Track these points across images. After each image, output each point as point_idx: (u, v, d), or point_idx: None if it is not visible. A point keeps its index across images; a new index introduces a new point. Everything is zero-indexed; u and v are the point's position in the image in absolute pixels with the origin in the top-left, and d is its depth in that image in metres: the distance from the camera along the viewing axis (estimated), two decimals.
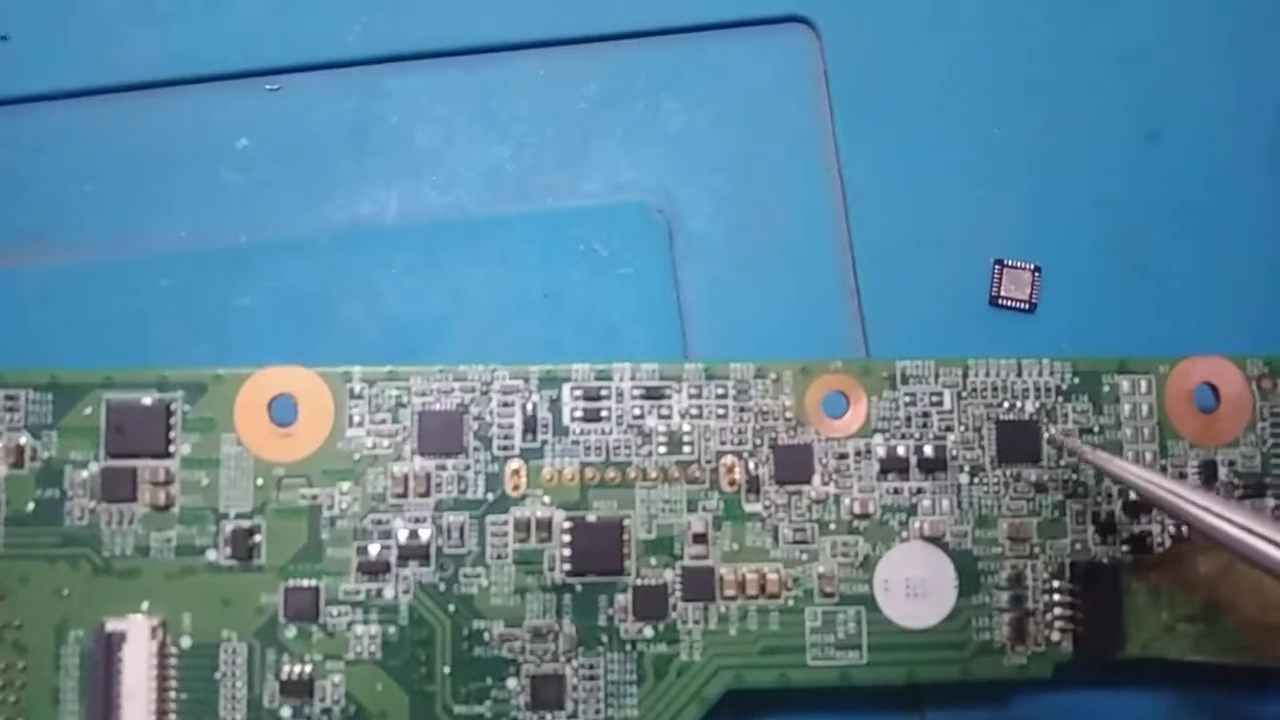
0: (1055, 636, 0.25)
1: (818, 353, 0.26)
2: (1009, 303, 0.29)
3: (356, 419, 0.24)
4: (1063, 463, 0.25)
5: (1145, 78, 0.30)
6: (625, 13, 0.30)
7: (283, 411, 0.25)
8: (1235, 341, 0.27)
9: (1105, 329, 0.29)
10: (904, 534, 0.25)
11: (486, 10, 0.29)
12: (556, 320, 0.28)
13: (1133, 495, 0.25)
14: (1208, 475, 0.26)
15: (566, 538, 0.24)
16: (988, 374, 0.25)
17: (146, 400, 0.24)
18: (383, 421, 0.24)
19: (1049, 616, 0.25)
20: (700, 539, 0.25)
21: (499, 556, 0.24)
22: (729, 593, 0.24)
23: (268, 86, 0.29)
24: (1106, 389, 0.26)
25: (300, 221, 0.28)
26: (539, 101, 0.29)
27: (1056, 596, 0.25)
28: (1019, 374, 0.26)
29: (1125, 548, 0.25)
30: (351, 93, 0.29)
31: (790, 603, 0.25)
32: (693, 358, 0.28)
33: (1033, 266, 0.29)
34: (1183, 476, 0.26)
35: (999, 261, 0.29)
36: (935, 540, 0.25)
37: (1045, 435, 0.25)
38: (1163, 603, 0.25)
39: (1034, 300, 0.29)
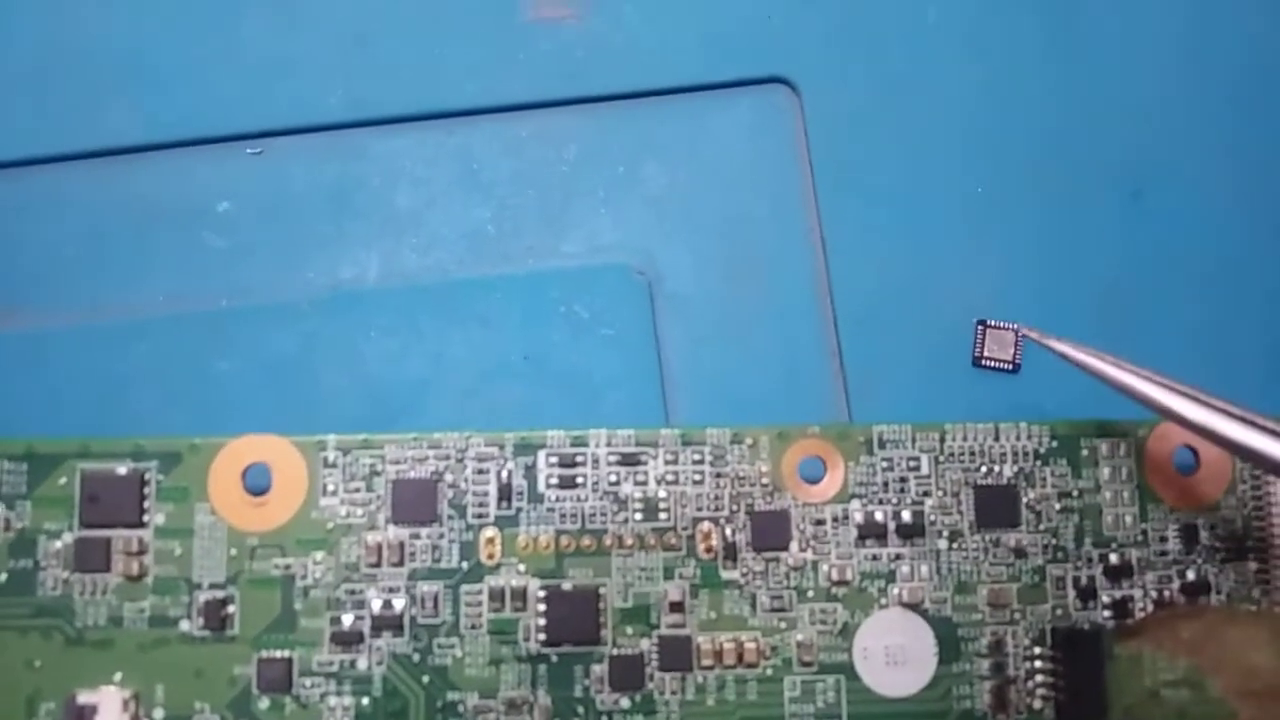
0: (1037, 704, 0.25)
1: (800, 415, 0.26)
2: (992, 363, 0.29)
3: (330, 488, 0.24)
4: (1042, 527, 0.25)
5: (1127, 137, 0.30)
6: (606, 75, 0.30)
7: (257, 480, 0.25)
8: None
9: (1089, 389, 0.28)
10: (883, 600, 0.25)
11: (467, 73, 0.30)
12: (537, 383, 0.28)
13: (1114, 560, 0.25)
14: (1188, 539, 0.25)
15: (542, 607, 0.24)
16: (965, 438, 0.25)
17: (121, 470, 0.24)
18: (357, 490, 0.24)
19: (1030, 684, 0.25)
20: (677, 607, 0.24)
21: (473, 626, 0.24)
22: (706, 662, 0.24)
23: (249, 150, 0.29)
24: (1085, 452, 0.25)
25: (281, 285, 0.28)
26: (520, 163, 0.30)
27: (1038, 664, 0.25)
28: (996, 438, 0.25)
29: (1107, 613, 0.25)
30: (333, 156, 0.29)
31: (769, 672, 0.24)
32: (674, 420, 0.28)
33: (1016, 327, 0.29)
34: (1163, 540, 0.25)
35: (982, 322, 0.29)
36: (914, 607, 0.25)
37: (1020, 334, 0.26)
38: (1145, 669, 0.25)
39: (1018, 360, 0.29)
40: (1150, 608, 0.25)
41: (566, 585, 0.24)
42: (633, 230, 0.29)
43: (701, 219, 0.29)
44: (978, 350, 0.29)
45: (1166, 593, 0.25)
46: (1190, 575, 0.25)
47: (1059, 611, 0.25)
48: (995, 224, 0.29)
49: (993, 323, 0.29)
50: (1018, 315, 0.29)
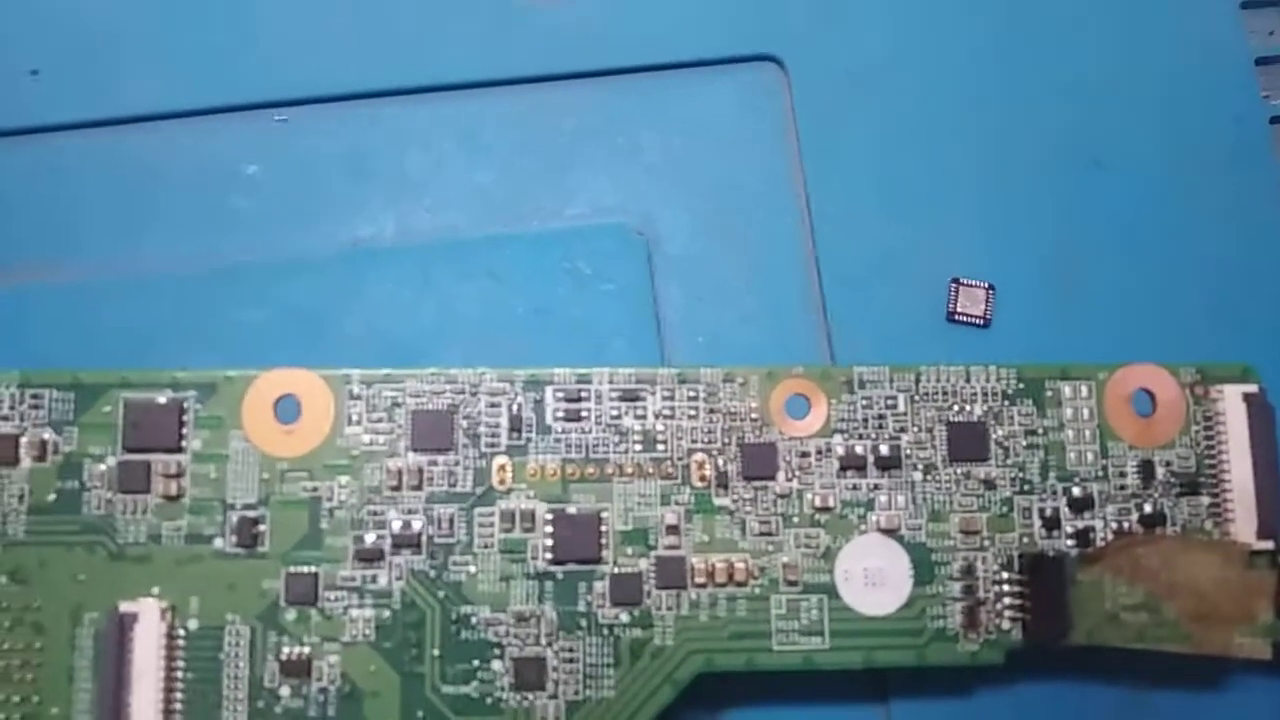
0: (1005, 625, 0.27)
1: (786, 364, 0.29)
2: (965, 318, 0.31)
3: (355, 418, 0.26)
4: (1010, 461, 0.27)
5: (1088, 109, 0.32)
6: (608, 51, 0.32)
7: (286, 411, 0.27)
8: (1173, 352, 0.29)
9: (1053, 342, 0.30)
10: (862, 527, 0.27)
11: (472, 49, 0.32)
12: (543, 334, 0.30)
13: (1076, 492, 0.27)
14: (1146, 474, 0.27)
15: (548, 529, 0.26)
16: (939, 379, 0.28)
17: (161, 399, 0.26)
18: (379, 420, 0.26)
19: (999, 606, 0.27)
20: (673, 530, 0.26)
21: (485, 546, 0.26)
22: (699, 581, 0.26)
23: (276, 118, 0.31)
24: (1049, 394, 0.28)
25: (304, 242, 0.31)
26: (528, 132, 0.32)
27: (1006, 587, 0.27)
28: (967, 380, 0.28)
29: (1070, 541, 0.27)
30: (353, 124, 0.31)
31: (757, 591, 0.26)
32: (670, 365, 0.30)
33: (987, 285, 0.31)
34: (1123, 475, 0.28)
35: (955, 280, 0.31)
36: (891, 533, 0.27)
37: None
38: (1106, 593, 0.27)
39: (988, 316, 0.31)
40: (1110, 537, 0.27)
41: (571, 509, 0.26)
42: (632, 194, 0.31)
43: (696, 185, 0.32)
44: (951, 306, 0.31)
45: (1125, 524, 0.27)
46: (1147, 508, 0.27)
47: (1025, 539, 0.27)
48: (968, 191, 0.32)
49: (965, 281, 0.31)
50: (988, 274, 0.31)
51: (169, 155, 0.31)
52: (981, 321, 0.31)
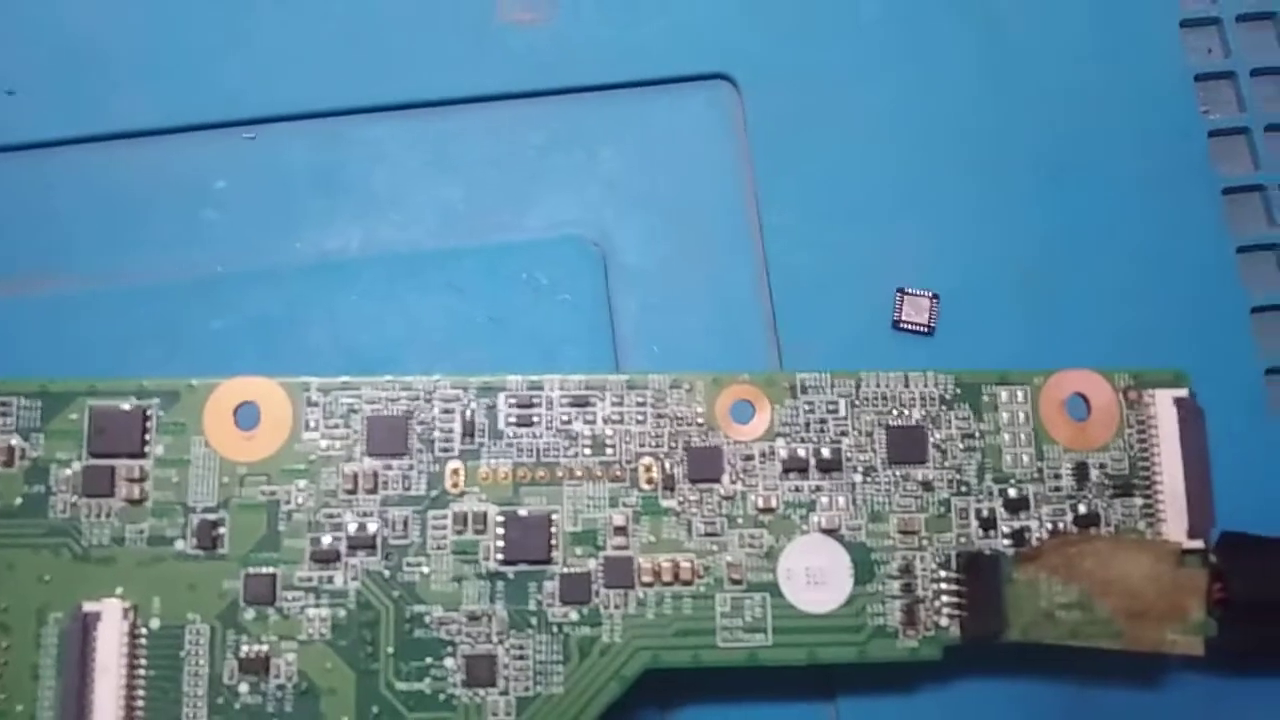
0: (944, 622, 0.27)
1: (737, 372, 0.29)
2: (910, 326, 0.32)
3: (313, 424, 0.27)
4: (947, 464, 0.28)
5: (1047, 123, 0.33)
6: (568, 71, 0.33)
7: (247, 417, 0.28)
8: (1113, 358, 0.30)
9: (995, 350, 0.31)
10: (804, 527, 0.28)
11: (443, 68, 0.33)
12: (501, 343, 0.31)
13: (1012, 493, 0.28)
14: (1080, 476, 0.28)
15: (500, 530, 0.27)
16: (879, 385, 0.28)
17: (125, 406, 0.27)
18: (336, 426, 0.27)
19: (937, 603, 0.28)
20: (621, 531, 0.27)
21: (438, 547, 0.27)
22: (646, 580, 0.27)
23: (245, 135, 0.32)
24: (986, 398, 0.29)
25: (271, 255, 0.32)
26: (489, 148, 0.33)
27: (943, 585, 0.28)
28: (907, 385, 0.29)
29: (1006, 541, 0.28)
30: (320, 141, 0.33)
31: (702, 589, 0.27)
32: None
33: (931, 294, 0.32)
34: (1057, 477, 0.28)
35: (901, 290, 0.32)
36: (832, 533, 0.28)
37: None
38: (1041, 592, 0.28)
39: (932, 324, 0.32)
40: (1045, 537, 0.28)
41: (522, 511, 0.27)
42: (590, 208, 0.33)
43: (651, 199, 0.33)
44: (897, 315, 0.32)
45: (1060, 524, 0.28)
46: (1082, 508, 0.28)
47: (963, 539, 0.28)
48: (918, 204, 0.33)
49: (910, 290, 0.32)
50: (932, 284, 0.32)
51: (143, 171, 0.32)
52: (926, 329, 0.32)
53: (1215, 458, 0.30)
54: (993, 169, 0.33)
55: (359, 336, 0.31)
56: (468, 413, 0.28)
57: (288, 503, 0.27)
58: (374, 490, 0.27)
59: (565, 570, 0.27)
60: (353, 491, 0.27)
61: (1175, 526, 0.28)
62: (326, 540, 0.27)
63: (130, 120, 0.32)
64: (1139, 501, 0.28)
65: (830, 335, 0.32)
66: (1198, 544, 0.28)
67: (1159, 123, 0.34)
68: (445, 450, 0.27)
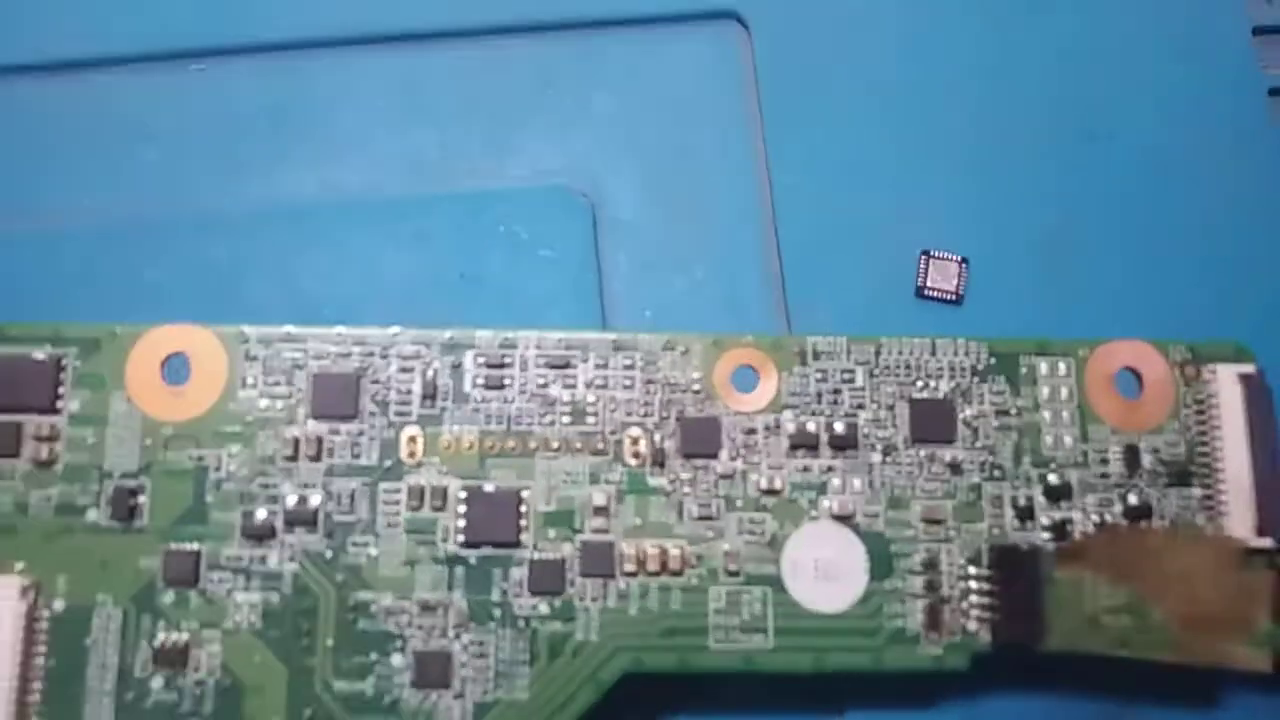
0: (972, 626, 0.24)
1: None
2: (935, 294, 0.28)
3: (250, 380, 0.24)
4: (979, 444, 0.25)
5: (1077, 78, 0.30)
6: (556, 4, 0.30)
7: (176, 371, 0.24)
8: (1163, 331, 0.26)
9: (1031, 321, 0.28)
10: (813, 513, 0.24)
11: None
12: (472, 301, 0.28)
13: (1053, 480, 0.25)
14: (1130, 461, 0.25)
15: (462, 508, 0.23)
16: (901, 352, 0.25)
17: (39, 355, 0.24)
18: (277, 384, 0.24)
19: (965, 604, 0.24)
20: (601, 512, 0.24)
21: (390, 525, 0.23)
22: (629, 569, 0.23)
23: (194, 68, 0.29)
24: (1024, 370, 0.25)
25: (216, 199, 0.28)
26: (467, 89, 0.29)
27: (973, 584, 0.24)
28: (933, 353, 0.25)
29: (1046, 534, 0.24)
30: (277, 76, 0.29)
31: (694, 582, 0.23)
32: None
33: (959, 258, 0.28)
34: (1104, 462, 0.25)
35: (925, 253, 0.28)
36: (845, 520, 0.24)
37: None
38: (1085, 594, 0.24)
39: (960, 292, 0.28)
40: (1091, 530, 0.24)
41: (488, 486, 0.24)
42: (578, 156, 0.29)
43: (648, 147, 0.29)
44: (921, 280, 0.28)
45: (1107, 516, 0.25)
46: (1132, 499, 0.25)
47: (995, 531, 0.24)
48: (940, 158, 0.29)
49: (936, 253, 0.28)
50: (961, 247, 0.28)
51: (75, 105, 0.29)
52: (953, 297, 0.28)
53: None
54: (1035, 125, 0.30)
55: (313, 291, 0.28)
56: (430, 372, 0.24)
57: (218, 470, 0.23)
58: (318, 458, 0.23)
59: (535, 556, 0.23)
60: (293, 459, 0.23)
61: (1240, 521, 0.24)
62: (261, 514, 0.23)
63: (70, 49, 0.29)
64: (1198, 492, 0.25)
65: (845, 301, 0.28)
66: (1266, 542, 0.24)
67: (1213, 78, 0.30)
68: (402, 414, 0.24)
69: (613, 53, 0.30)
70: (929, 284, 0.28)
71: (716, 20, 0.30)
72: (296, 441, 0.24)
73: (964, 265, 0.28)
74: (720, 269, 0.29)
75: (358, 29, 0.29)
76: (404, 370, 0.24)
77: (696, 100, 0.30)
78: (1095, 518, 0.24)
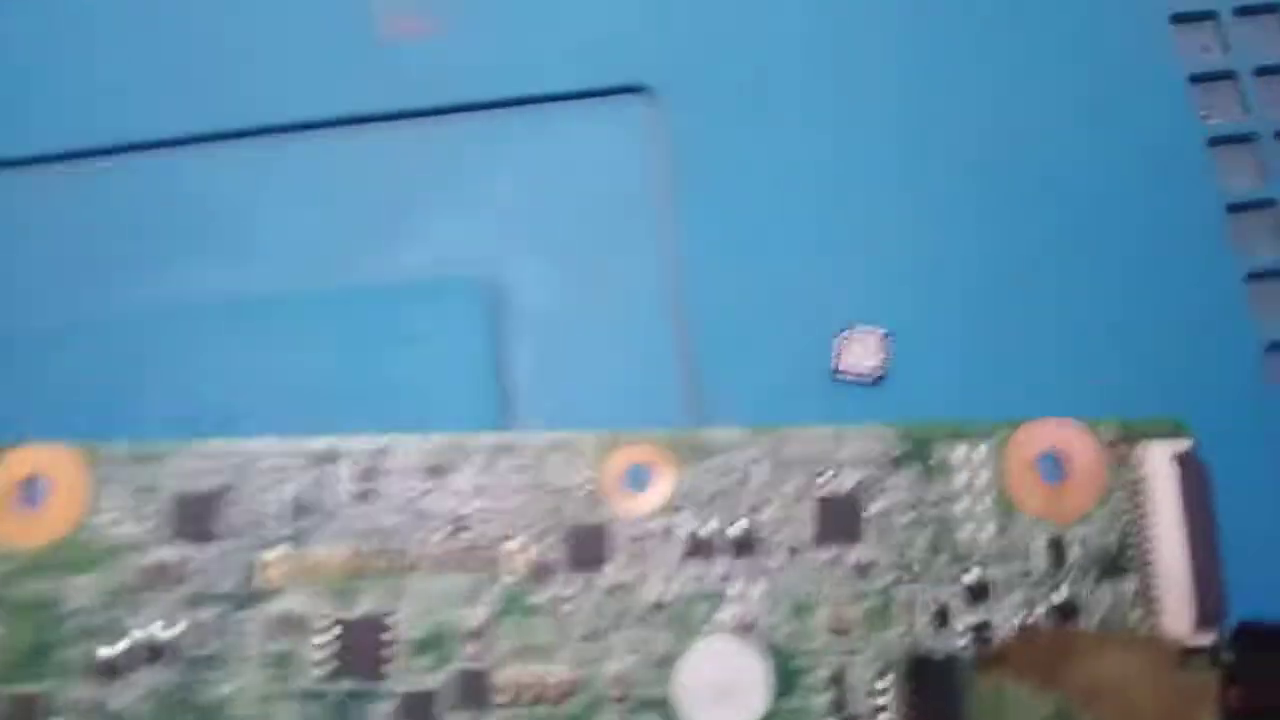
0: None
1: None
2: (853, 375, 0.26)
3: (107, 503, 0.22)
4: (890, 542, 0.23)
5: (1002, 136, 0.28)
6: (461, 87, 0.28)
7: (31, 494, 0.23)
8: (1102, 407, 0.24)
9: (959, 402, 0.26)
10: (709, 625, 0.22)
11: (318, 87, 0.28)
12: (366, 400, 0.26)
13: (971, 578, 0.23)
14: (1056, 554, 0.23)
15: (325, 636, 0.22)
16: (805, 444, 0.23)
17: None
18: (135, 506, 0.22)
19: None
20: (475, 636, 0.22)
21: (248, 657, 0.22)
22: (502, 700, 0.22)
23: (90, 168, 0.28)
24: (937, 458, 0.23)
25: (105, 303, 0.27)
26: (367, 177, 0.28)
27: (883, 699, 0.22)
28: (839, 443, 0.23)
29: (964, 639, 0.22)
30: (170, 172, 0.28)
31: (575, 709, 0.22)
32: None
33: (881, 334, 0.27)
34: (1027, 557, 0.23)
35: (844, 330, 0.27)
36: (745, 632, 0.22)
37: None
38: (1009, 703, 0.22)
39: (882, 370, 0.26)
40: (1014, 633, 0.23)
41: (354, 612, 0.22)
42: (480, 242, 0.28)
43: (554, 230, 0.28)
44: (838, 361, 0.27)
45: (1032, 616, 0.23)
46: (1059, 596, 0.23)
47: (909, 638, 0.22)
48: (859, 232, 0.28)
49: (854, 332, 0.27)
50: (883, 324, 0.27)
51: None
52: (873, 378, 0.26)
53: (1228, 529, 0.25)
54: (957, 188, 0.28)
55: (200, 399, 0.26)
56: (296, 486, 0.23)
57: (67, 602, 0.22)
58: (174, 585, 0.22)
59: (404, 688, 0.22)
60: (148, 588, 0.22)
61: (1177, 617, 0.22)
62: (109, 650, 0.22)
63: None
64: (1131, 586, 0.23)
65: (761, 386, 0.26)
66: (1206, 639, 0.22)
67: (1148, 130, 0.28)
68: (265, 534, 0.22)
69: (517, 133, 0.28)
70: (848, 363, 0.26)
71: (626, 94, 0.29)
72: (151, 569, 0.22)
73: (886, 341, 0.26)
74: (630, 356, 0.27)
75: (249, 120, 0.28)
76: (267, 486, 0.23)
77: (605, 179, 0.28)
78: (1018, 619, 0.23)
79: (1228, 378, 0.27)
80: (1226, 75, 0.29)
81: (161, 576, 0.22)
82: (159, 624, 0.22)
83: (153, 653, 0.22)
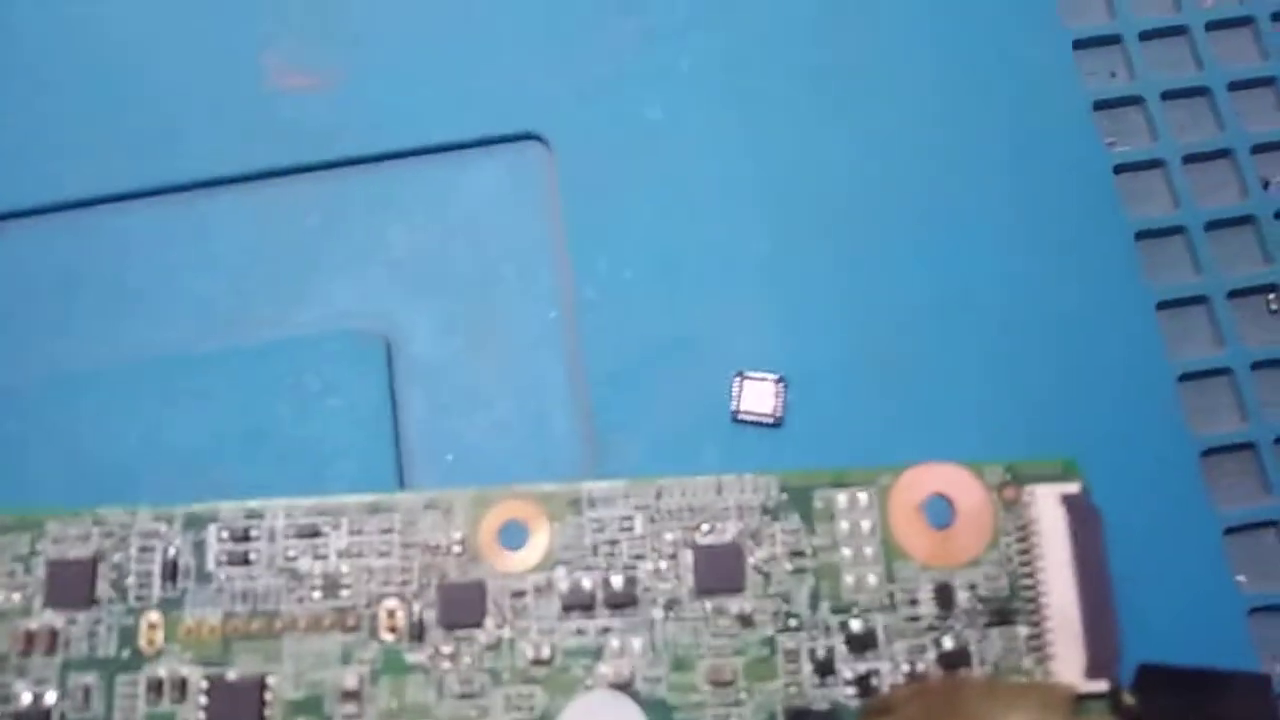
0: None
1: (550, 480, 0.24)
2: (752, 417, 0.26)
3: None
4: (772, 591, 0.22)
5: (897, 175, 0.28)
6: (352, 140, 0.29)
7: None
8: (1009, 453, 0.24)
9: (856, 441, 0.26)
10: (588, 681, 0.22)
11: (207, 145, 0.28)
12: (258, 460, 0.26)
13: (856, 627, 0.22)
14: (944, 601, 0.22)
15: (203, 699, 0.22)
16: (684, 494, 0.23)
17: None
18: (12, 573, 0.22)
19: None
20: (353, 696, 0.22)
21: None
22: None
23: None
24: (820, 505, 0.23)
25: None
26: (258, 234, 0.28)
27: None
28: (719, 492, 0.23)
29: (850, 690, 0.22)
30: (63, 235, 0.28)
31: None
32: (409, 489, 0.26)
33: (776, 378, 0.26)
34: (914, 604, 0.22)
35: (740, 374, 0.26)
36: (624, 688, 0.22)
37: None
38: None
39: (779, 414, 0.26)
40: (901, 683, 0.22)
41: (231, 674, 0.22)
42: (372, 296, 0.28)
43: (447, 280, 0.28)
44: (736, 404, 0.26)
45: (920, 664, 0.22)
46: (947, 643, 0.22)
47: (793, 689, 0.22)
48: (753, 276, 0.27)
49: (751, 375, 0.26)
50: (778, 367, 0.27)
51: None
52: (771, 420, 0.26)
53: (1141, 564, 0.24)
54: (846, 231, 0.28)
55: (93, 460, 0.26)
56: (170, 550, 0.23)
57: None
58: (52, 651, 0.22)
59: None
60: (27, 653, 0.22)
61: (1069, 663, 0.22)
62: None
63: None
64: (1023, 631, 0.22)
65: (658, 431, 0.26)
66: (1099, 685, 0.22)
67: (1052, 159, 0.28)
68: (141, 599, 0.22)
69: (407, 185, 0.28)
70: (744, 407, 0.26)
71: (516, 142, 0.29)
72: (31, 635, 0.22)
73: (781, 385, 0.26)
74: (526, 403, 0.27)
75: (140, 182, 0.28)
76: (144, 550, 0.22)
77: (497, 226, 0.28)
78: (906, 668, 0.22)
79: (1144, 412, 0.27)
80: (1133, 100, 0.29)
81: (41, 642, 0.22)
82: (40, 689, 0.22)
83: (35, 719, 0.22)
